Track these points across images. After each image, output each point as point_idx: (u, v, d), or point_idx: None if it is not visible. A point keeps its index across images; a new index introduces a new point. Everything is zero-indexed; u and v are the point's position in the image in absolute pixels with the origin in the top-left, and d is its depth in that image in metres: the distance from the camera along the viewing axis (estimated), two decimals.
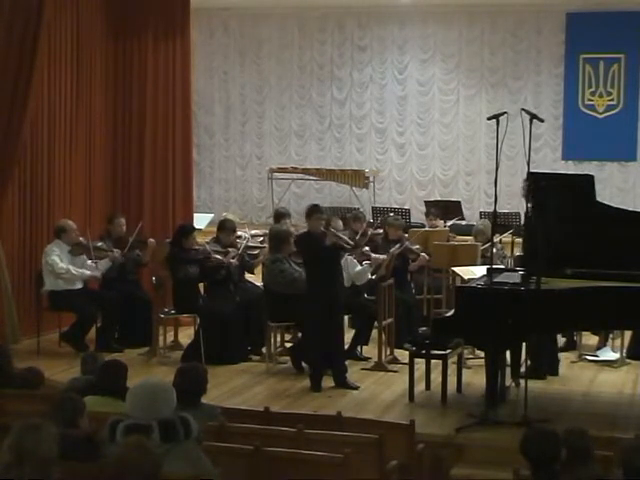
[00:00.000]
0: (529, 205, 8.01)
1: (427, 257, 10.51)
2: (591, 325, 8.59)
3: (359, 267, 9.70)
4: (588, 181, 8.02)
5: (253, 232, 11.14)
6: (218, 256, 9.76)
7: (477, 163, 16.76)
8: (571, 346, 9.99)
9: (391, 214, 12.09)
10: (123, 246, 10.30)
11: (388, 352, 9.61)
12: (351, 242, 9.24)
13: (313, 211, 9.11)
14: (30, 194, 10.74)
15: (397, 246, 10.21)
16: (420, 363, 8.63)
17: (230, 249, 9.95)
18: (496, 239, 9.76)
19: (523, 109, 7.87)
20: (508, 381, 8.43)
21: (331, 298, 8.74)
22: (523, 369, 8.58)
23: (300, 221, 16.71)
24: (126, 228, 10.56)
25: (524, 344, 8.38)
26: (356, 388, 8.74)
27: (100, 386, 6.19)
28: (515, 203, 14.54)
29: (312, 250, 8.90)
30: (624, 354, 9.63)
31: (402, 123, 17.08)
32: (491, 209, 8.17)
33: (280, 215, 10.94)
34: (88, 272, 10.09)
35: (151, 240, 10.48)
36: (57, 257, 9.99)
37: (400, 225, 10.69)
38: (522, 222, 8.27)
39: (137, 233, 10.38)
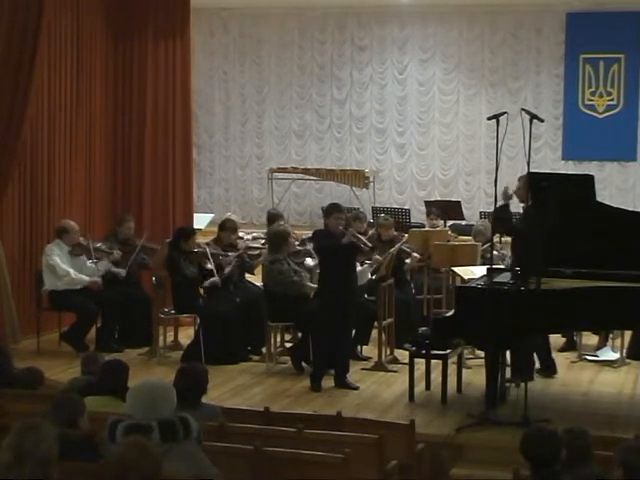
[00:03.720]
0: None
1: (418, 256, 10.51)
2: (591, 325, 8.60)
3: (359, 267, 9.69)
4: (588, 181, 8.02)
5: (254, 234, 11.14)
6: (210, 266, 9.77)
7: (477, 163, 16.77)
8: (571, 346, 10.00)
9: (381, 215, 12.06)
10: (129, 249, 10.30)
11: (388, 352, 9.61)
12: (369, 244, 9.21)
13: (333, 210, 9.04)
14: (30, 194, 10.74)
15: (398, 246, 10.20)
16: (420, 363, 8.63)
17: (230, 253, 9.97)
18: (496, 239, 9.76)
19: (523, 109, 7.87)
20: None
21: (345, 296, 8.73)
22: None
23: (300, 221, 16.81)
24: (133, 231, 10.59)
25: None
26: (356, 388, 8.74)
27: (100, 386, 6.19)
28: (515, 203, 14.50)
29: (328, 246, 8.86)
30: (624, 354, 9.63)
31: (402, 123, 17.09)
32: (491, 209, 8.17)
33: (273, 217, 10.92)
34: (87, 279, 10.07)
35: (160, 247, 10.46)
36: (58, 258, 9.99)
37: (390, 224, 10.66)
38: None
39: (142, 244, 10.37)
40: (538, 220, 7.69)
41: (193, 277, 9.83)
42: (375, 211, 14.31)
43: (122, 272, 10.23)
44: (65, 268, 9.97)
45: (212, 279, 9.77)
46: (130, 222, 10.59)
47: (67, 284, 10.01)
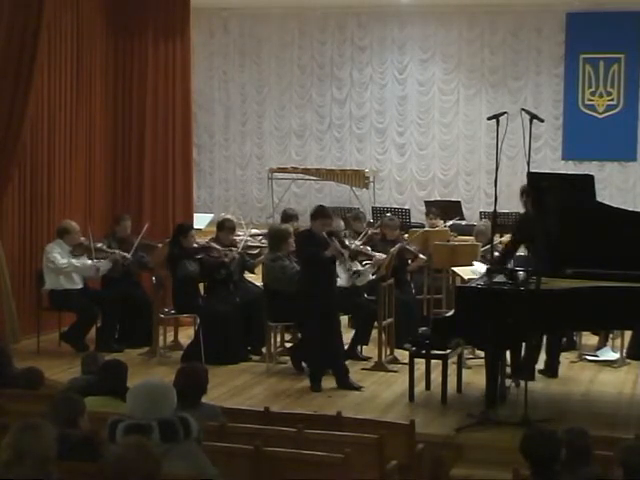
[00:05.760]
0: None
1: (424, 258, 10.50)
2: (591, 325, 8.59)
3: (360, 268, 9.68)
4: (588, 181, 8.01)
5: (253, 231, 11.14)
6: (217, 246, 9.80)
7: (477, 163, 16.77)
8: (571, 346, 9.99)
9: (387, 214, 12.06)
10: (127, 247, 10.31)
11: (388, 352, 9.61)
12: (353, 268, 9.27)
13: (319, 215, 8.94)
14: (30, 194, 10.74)
15: (397, 246, 10.20)
16: (420, 363, 8.63)
17: (232, 248, 9.99)
18: (496, 240, 9.75)
19: (523, 109, 7.88)
20: (508, 381, 8.42)
21: (327, 299, 8.73)
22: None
23: (300, 221, 16.78)
24: (130, 230, 10.58)
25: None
26: (359, 388, 8.71)
27: (100, 386, 6.20)
28: (515, 203, 14.50)
29: (310, 257, 8.83)
30: (624, 354, 9.63)
31: (402, 123, 17.09)
32: (491, 209, 8.17)
33: (288, 217, 10.92)
34: (89, 262, 10.08)
35: (161, 245, 10.44)
36: (58, 254, 10.01)
37: (396, 225, 10.66)
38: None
39: (143, 235, 10.36)
40: (538, 220, 7.69)
41: (194, 274, 9.83)
42: (375, 211, 14.30)
43: (128, 255, 10.20)
44: (64, 260, 9.98)
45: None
46: (127, 221, 10.60)
47: (71, 275, 10.00)
